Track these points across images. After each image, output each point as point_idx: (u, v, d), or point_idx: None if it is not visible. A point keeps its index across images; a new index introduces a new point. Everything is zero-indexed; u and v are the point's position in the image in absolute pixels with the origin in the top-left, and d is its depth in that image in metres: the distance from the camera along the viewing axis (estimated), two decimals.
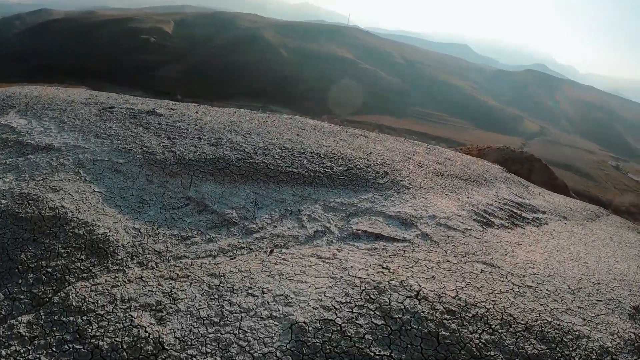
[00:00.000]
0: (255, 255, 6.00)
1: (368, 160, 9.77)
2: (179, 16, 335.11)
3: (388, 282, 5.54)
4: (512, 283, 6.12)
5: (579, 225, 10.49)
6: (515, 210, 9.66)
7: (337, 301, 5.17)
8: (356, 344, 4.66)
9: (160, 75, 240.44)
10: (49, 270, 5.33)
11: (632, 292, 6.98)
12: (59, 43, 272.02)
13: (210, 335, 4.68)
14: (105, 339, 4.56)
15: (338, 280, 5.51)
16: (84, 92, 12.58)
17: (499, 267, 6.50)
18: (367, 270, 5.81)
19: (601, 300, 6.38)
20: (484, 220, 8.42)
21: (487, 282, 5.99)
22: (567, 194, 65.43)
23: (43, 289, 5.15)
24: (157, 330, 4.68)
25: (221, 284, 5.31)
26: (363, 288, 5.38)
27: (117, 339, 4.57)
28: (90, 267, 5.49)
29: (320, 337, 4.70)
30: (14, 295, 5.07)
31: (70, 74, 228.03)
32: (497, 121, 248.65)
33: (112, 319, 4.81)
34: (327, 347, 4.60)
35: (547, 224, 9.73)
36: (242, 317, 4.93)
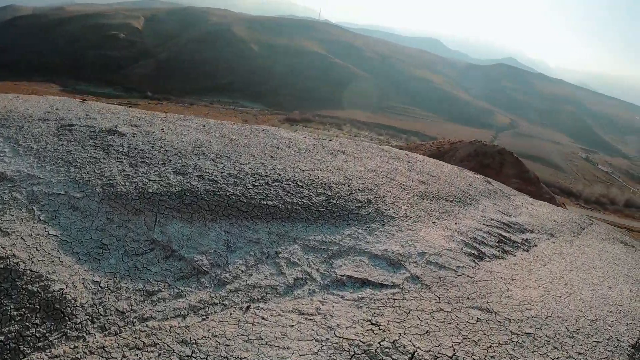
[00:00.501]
0: (230, 314, 5.29)
1: (349, 185, 9.05)
2: (148, 12, 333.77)
3: (379, 343, 4.97)
4: (511, 332, 5.66)
5: (567, 243, 10.13)
6: (504, 234, 9.19)
7: None
8: None
9: (130, 71, 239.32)
10: (1, 338, 4.61)
11: (629, 325, 6.71)
12: (27, 40, 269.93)
13: None
14: None
15: (324, 344, 4.90)
16: (44, 103, 11.71)
17: (495, 313, 6.01)
18: (355, 328, 5.21)
19: (600, 342, 6.05)
20: (475, 253, 7.91)
21: (484, 334, 5.49)
22: (538, 187, 65.43)
23: None
24: None
25: (193, 354, 4.65)
26: (352, 353, 4.80)
27: None
28: (47, 334, 4.71)
29: None
30: None
31: (39, 71, 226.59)
32: (469, 114, 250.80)
33: None
34: None
35: (536, 245, 9.36)
36: None
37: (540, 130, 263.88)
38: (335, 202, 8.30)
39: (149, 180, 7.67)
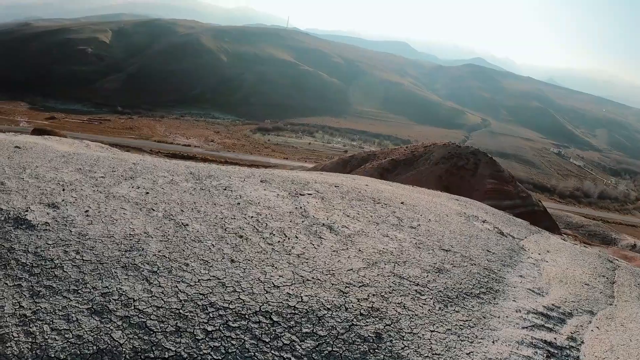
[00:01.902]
0: None
1: (347, 308, 6.21)
2: (115, 25, 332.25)
3: None
4: None
5: (609, 322, 8.38)
6: (548, 338, 7.22)
7: None
8: None
9: (100, 86, 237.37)
10: None
11: None
12: None
13: None
14: None
15: None
16: None
17: None
18: None
19: None
20: None
21: None
22: (514, 185, 64.66)
23: None
24: None
25: None
26: None
27: None
28: None
29: None
30: None
31: (6, 88, 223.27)
32: (439, 116, 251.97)
33: None
34: None
35: (582, 342, 7.47)
36: None
37: (511, 128, 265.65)
38: (330, 349, 5.49)
39: (51, 330, 5.10)
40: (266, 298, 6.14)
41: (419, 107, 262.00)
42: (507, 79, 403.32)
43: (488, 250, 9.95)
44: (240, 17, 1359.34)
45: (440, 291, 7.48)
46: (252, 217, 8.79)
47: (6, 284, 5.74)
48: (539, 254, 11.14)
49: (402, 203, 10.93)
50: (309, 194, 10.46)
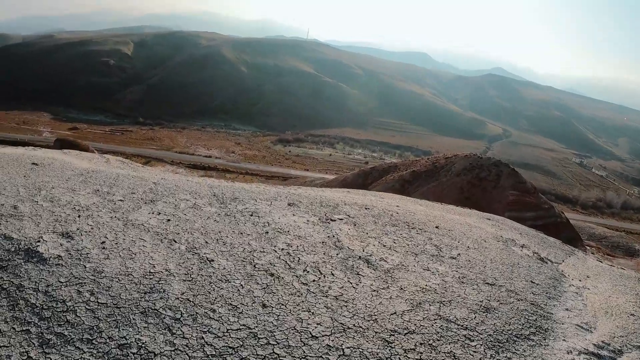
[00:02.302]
0: None
1: None
2: (137, 37, 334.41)
3: None
4: None
5: None
6: None
7: None
8: None
9: (121, 97, 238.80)
10: None
11: None
12: (17, 68, 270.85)
13: None
14: None
15: None
16: None
17: None
18: None
19: None
20: None
21: None
22: (537, 196, 63.85)
23: None
24: None
25: None
26: None
27: None
28: None
29: None
30: None
31: (30, 99, 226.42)
32: (460, 126, 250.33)
33: None
34: None
35: None
36: None
37: (532, 138, 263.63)
38: None
39: None
40: (304, 352, 5.34)
41: (439, 118, 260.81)
42: (528, 89, 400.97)
43: (532, 282, 9.21)
44: (261, 29, 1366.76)
45: (490, 335, 6.70)
46: (282, 249, 8.00)
47: (14, 328, 5.11)
48: (580, 280, 10.44)
49: (436, 227, 10.18)
50: (340, 219, 9.72)
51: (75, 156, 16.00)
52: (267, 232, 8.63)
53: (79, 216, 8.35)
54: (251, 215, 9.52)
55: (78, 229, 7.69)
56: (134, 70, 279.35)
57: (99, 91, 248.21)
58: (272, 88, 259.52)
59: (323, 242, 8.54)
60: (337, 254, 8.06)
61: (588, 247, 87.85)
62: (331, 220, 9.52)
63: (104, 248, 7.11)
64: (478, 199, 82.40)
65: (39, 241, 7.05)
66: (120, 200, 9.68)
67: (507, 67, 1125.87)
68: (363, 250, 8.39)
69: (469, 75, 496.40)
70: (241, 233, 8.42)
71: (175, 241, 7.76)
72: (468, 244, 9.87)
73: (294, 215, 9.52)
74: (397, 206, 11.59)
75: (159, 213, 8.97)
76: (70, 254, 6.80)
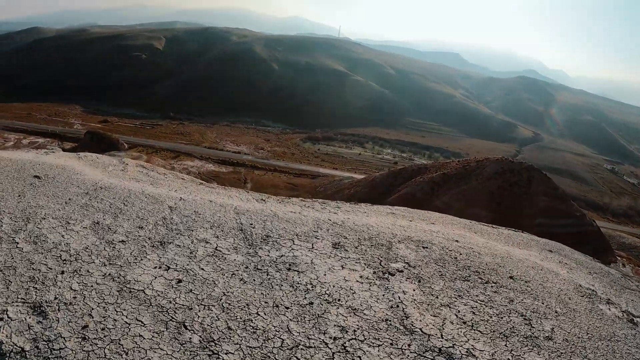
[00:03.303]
0: None
1: None
2: (169, 32, 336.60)
3: None
4: None
5: None
6: None
7: None
8: None
9: (152, 92, 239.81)
10: None
11: None
12: (50, 61, 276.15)
13: None
14: None
15: None
16: None
17: None
18: None
19: None
20: None
21: None
22: (568, 204, 62.70)
23: None
24: None
25: None
26: None
27: None
28: None
29: None
30: None
31: (62, 92, 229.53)
32: (490, 129, 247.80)
33: None
34: None
35: None
36: None
37: (563, 143, 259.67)
38: None
39: None
40: None
41: (470, 120, 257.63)
42: (561, 92, 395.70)
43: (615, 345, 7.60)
44: (293, 27, 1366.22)
45: None
46: (335, 338, 5.65)
47: None
48: None
49: (511, 278, 8.41)
50: (398, 270, 7.91)
51: (89, 163, 14.62)
52: (312, 303, 6.22)
53: (62, 272, 6.48)
54: (289, 269, 7.27)
55: (56, 298, 5.68)
56: (166, 65, 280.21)
57: (130, 85, 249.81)
58: (303, 86, 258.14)
59: (387, 320, 6.08)
60: (408, 346, 5.73)
61: (619, 258, 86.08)
62: (389, 273, 7.70)
63: (84, 338, 5.03)
64: (509, 204, 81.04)
65: (1, 318, 5.33)
66: (122, 241, 7.80)
67: (539, 68, 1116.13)
68: (441, 335, 6.00)
69: (500, 76, 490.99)
70: (277, 306, 6.07)
71: (186, 326, 5.57)
72: (555, 307, 8.06)
73: (343, 267, 7.49)
74: (457, 241, 9.77)
75: (168, 267, 6.82)
76: (37, 347, 4.94)
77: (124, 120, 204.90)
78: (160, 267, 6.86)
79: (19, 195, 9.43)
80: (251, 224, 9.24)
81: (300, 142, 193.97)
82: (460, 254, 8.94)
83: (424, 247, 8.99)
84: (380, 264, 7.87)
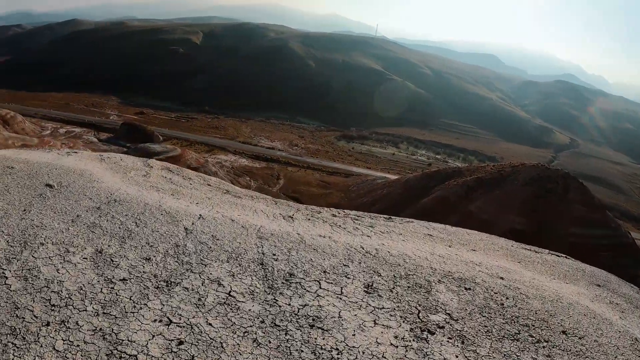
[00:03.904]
0: None
1: None
2: (206, 27, 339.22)
3: None
4: None
5: None
6: None
7: None
8: None
9: (188, 86, 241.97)
10: None
11: None
12: (88, 53, 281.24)
13: None
14: None
15: None
16: None
17: None
18: None
19: None
20: None
21: None
22: (603, 214, 61.75)
23: None
24: None
25: None
26: None
27: None
28: None
29: None
30: None
31: (100, 83, 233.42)
32: (527, 133, 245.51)
33: None
34: None
35: None
36: None
37: (600, 150, 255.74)
38: None
39: None
40: None
41: (506, 123, 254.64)
42: (599, 98, 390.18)
43: None
44: (329, 24, 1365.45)
45: None
46: None
47: None
48: None
49: (564, 333, 7.44)
50: (439, 328, 6.78)
51: (111, 166, 13.82)
52: None
53: (48, 324, 5.46)
54: (312, 325, 5.86)
55: None
56: (202, 59, 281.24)
57: (166, 78, 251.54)
58: (339, 84, 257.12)
59: None
60: None
61: None
62: (428, 331, 6.57)
63: None
64: (544, 212, 79.78)
65: None
66: (123, 279, 6.82)
67: (578, 73, 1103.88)
68: None
69: (538, 80, 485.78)
70: None
71: None
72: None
73: (375, 322, 6.35)
74: (501, 278, 8.74)
75: (170, 322, 5.73)
76: None
77: (160, 112, 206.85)
78: (160, 321, 5.81)
79: (24, 210, 8.64)
80: (274, 255, 8.21)
81: (334, 140, 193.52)
82: (507, 298, 7.88)
83: (466, 289, 7.94)
84: (419, 316, 6.79)
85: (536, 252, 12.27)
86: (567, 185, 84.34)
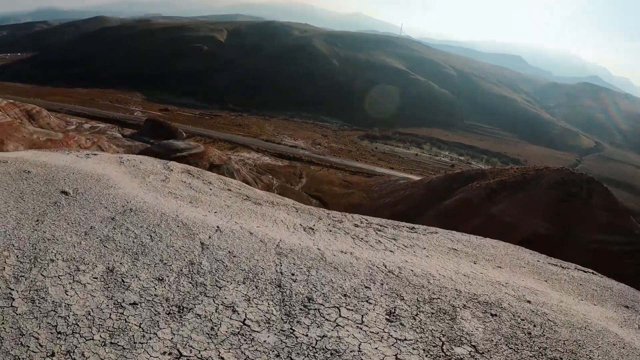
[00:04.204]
0: None
1: None
2: (231, 25, 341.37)
3: None
4: None
5: None
6: None
7: None
8: None
9: (212, 83, 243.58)
10: None
11: None
12: (114, 49, 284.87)
13: None
14: None
15: None
16: None
17: None
18: None
19: None
20: None
21: None
22: (627, 219, 60.96)
23: None
24: None
25: None
26: None
27: None
28: None
29: None
30: None
31: (124, 80, 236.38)
32: (551, 136, 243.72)
33: None
34: None
35: None
36: None
37: (625, 154, 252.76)
38: None
39: None
40: None
41: (530, 125, 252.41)
42: (625, 101, 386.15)
43: None
44: (354, 23, 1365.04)
45: None
46: None
47: None
48: None
49: None
50: None
51: (130, 170, 13.59)
52: None
53: (52, 354, 5.29)
54: None
55: None
56: (226, 57, 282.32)
57: (190, 75, 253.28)
58: (363, 83, 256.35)
59: None
60: None
61: None
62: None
63: None
64: (567, 217, 79.02)
65: None
66: (134, 303, 6.47)
67: (604, 75, 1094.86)
68: None
69: (563, 81, 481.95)
70: None
71: None
72: None
73: (397, 357, 5.91)
74: (529, 301, 8.34)
75: (180, 355, 5.37)
76: None
77: (184, 109, 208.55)
78: (170, 354, 5.47)
79: (37, 220, 8.40)
80: (292, 275, 7.81)
81: (357, 140, 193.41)
82: (535, 326, 7.50)
83: (492, 315, 7.56)
84: (442, 349, 6.43)
85: (563, 267, 11.92)
86: (591, 189, 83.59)
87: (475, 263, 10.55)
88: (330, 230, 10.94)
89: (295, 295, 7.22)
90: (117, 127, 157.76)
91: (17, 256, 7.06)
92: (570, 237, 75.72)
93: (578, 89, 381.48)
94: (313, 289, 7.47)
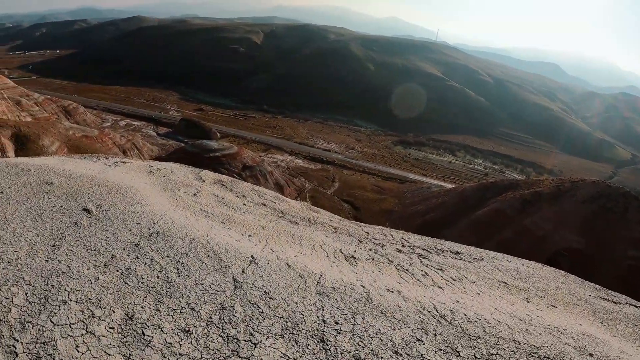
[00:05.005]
0: None
1: None
2: (267, 27, 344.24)
3: None
4: None
5: None
6: None
7: None
8: None
9: (248, 84, 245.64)
10: None
11: None
12: (151, 49, 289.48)
13: None
14: None
15: None
16: None
17: None
18: None
19: None
20: None
21: None
22: None
23: None
24: None
25: None
26: None
27: None
28: None
29: None
30: None
31: (161, 79, 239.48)
32: (587, 147, 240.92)
33: None
34: None
35: None
36: None
37: None
38: None
39: None
40: None
41: (566, 135, 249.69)
42: None
43: None
44: (389, 28, 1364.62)
45: None
46: None
47: None
48: None
49: None
50: None
51: (159, 181, 12.81)
52: None
53: None
54: None
55: None
56: (262, 59, 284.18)
57: (226, 76, 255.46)
58: (397, 88, 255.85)
59: None
60: None
61: None
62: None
63: None
64: (602, 231, 77.41)
65: None
66: None
67: None
68: None
69: (601, 91, 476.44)
70: None
71: None
72: None
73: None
74: (590, 354, 7.26)
75: None
76: None
77: (218, 109, 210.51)
78: None
79: (53, 246, 7.53)
80: (336, 324, 6.71)
81: (391, 145, 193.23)
82: None
83: None
84: None
85: (614, 302, 11.01)
86: (628, 204, 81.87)
87: (528, 301, 9.61)
88: (373, 259, 10.05)
89: (342, 354, 6.09)
90: (152, 126, 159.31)
91: (26, 294, 6.14)
92: (605, 252, 74.31)
93: (616, 99, 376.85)
94: (360, 343, 6.36)
